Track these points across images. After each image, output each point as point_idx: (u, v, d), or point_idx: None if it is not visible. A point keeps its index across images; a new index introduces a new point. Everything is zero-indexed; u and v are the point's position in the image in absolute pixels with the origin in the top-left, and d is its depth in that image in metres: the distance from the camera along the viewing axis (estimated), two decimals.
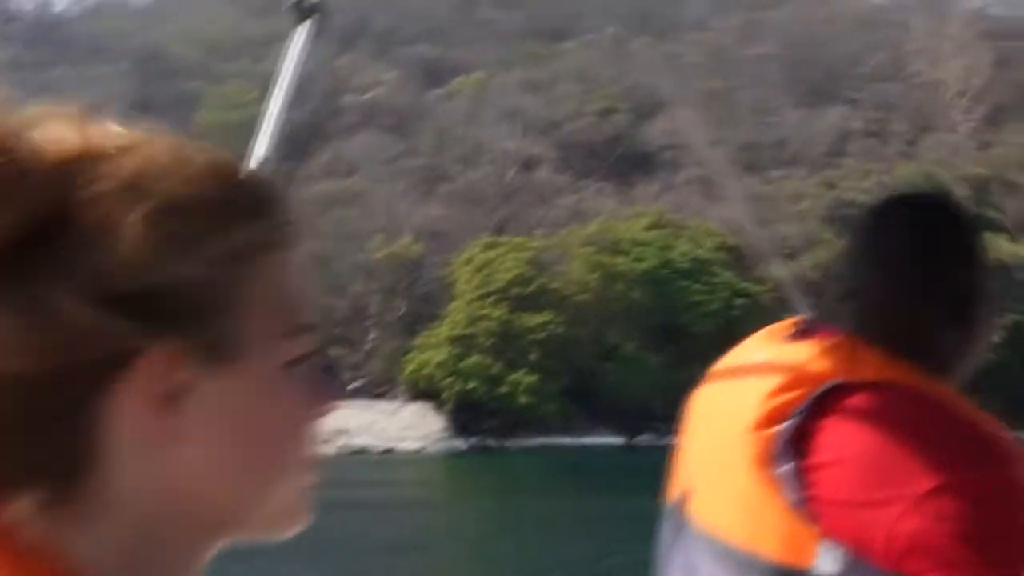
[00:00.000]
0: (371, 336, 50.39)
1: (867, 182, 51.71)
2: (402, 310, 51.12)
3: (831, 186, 54.91)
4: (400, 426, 46.08)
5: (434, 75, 67.68)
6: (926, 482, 1.43)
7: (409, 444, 45.32)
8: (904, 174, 53.60)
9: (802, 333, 1.65)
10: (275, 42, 2.51)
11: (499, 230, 51.70)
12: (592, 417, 46.59)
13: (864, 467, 1.47)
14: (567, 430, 45.59)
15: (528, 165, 57.93)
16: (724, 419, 1.61)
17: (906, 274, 1.66)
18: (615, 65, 60.72)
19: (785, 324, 1.70)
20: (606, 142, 59.83)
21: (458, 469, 43.29)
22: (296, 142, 56.13)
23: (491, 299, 47.08)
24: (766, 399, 1.54)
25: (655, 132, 56.43)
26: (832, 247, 42.84)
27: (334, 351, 47.04)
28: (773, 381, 1.55)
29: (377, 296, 51.19)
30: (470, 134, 58.09)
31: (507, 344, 46.48)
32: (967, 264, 1.68)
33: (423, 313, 50.21)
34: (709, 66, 61.56)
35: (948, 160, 54.11)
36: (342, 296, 49.64)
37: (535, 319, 46.60)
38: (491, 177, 56.14)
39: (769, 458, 1.51)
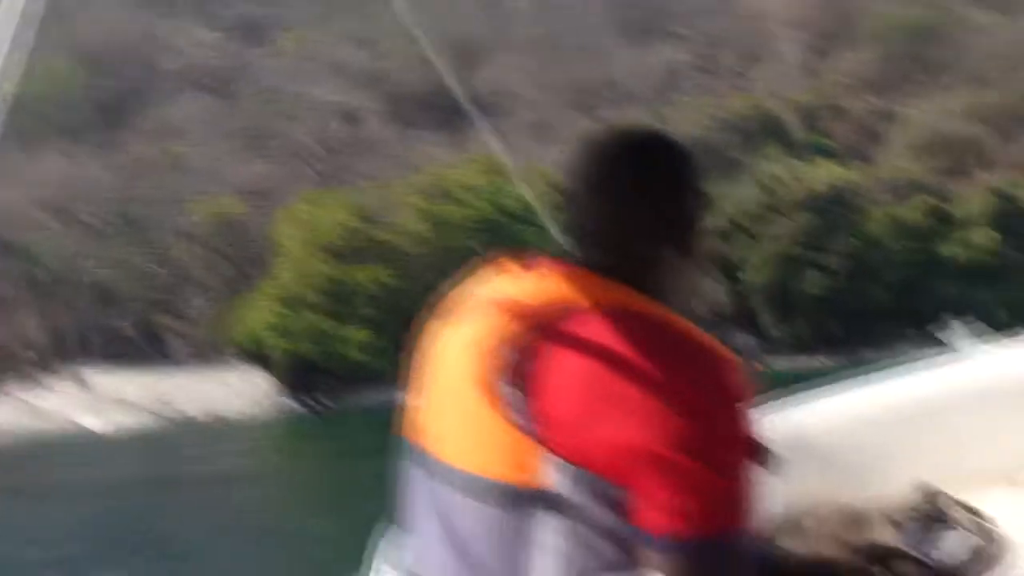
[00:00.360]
0: (196, 302, 48.17)
1: (700, 115, 51.48)
2: (228, 273, 48.93)
3: (664, 121, 53.91)
4: (230, 392, 44.10)
5: (256, 34, 65.18)
6: (646, 396, 1.51)
7: (240, 410, 43.35)
8: (735, 106, 52.52)
9: (529, 265, 1.73)
10: None
11: (324, 184, 49.65)
12: None
13: (587, 385, 1.55)
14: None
15: (354, 118, 55.98)
16: (453, 351, 1.70)
17: (625, 205, 1.74)
18: (439, 15, 59.01)
19: (512, 258, 1.75)
20: (433, 92, 58.01)
21: (293, 433, 41.55)
22: (113, 109, 53.70)
23: (318, 255, 45.14)
24: (495, 324, 1.62)
25: (483, 80, 54.91)
26: None
27: (158, 319, 44.85)
28: (504, 307, 1.63)
29: (201, 260, 48.89)
30: (294, 90, 55.86)
31: (337, 300, 44.65)
32: (683, 194, 1.79)
33: (251, 275, 48.09)
34: (533, 12, 60.08)
35: (778, 90, 53.63)
36: (164, 263, 47.33)
37: (365, 273, 44.86)
38: (316, 132, 54.06)
39: (496, 383, 1.59)
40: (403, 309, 44.76)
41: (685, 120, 50.92)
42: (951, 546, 2.52)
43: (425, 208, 46.35)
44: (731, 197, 49.63)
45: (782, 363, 39.25)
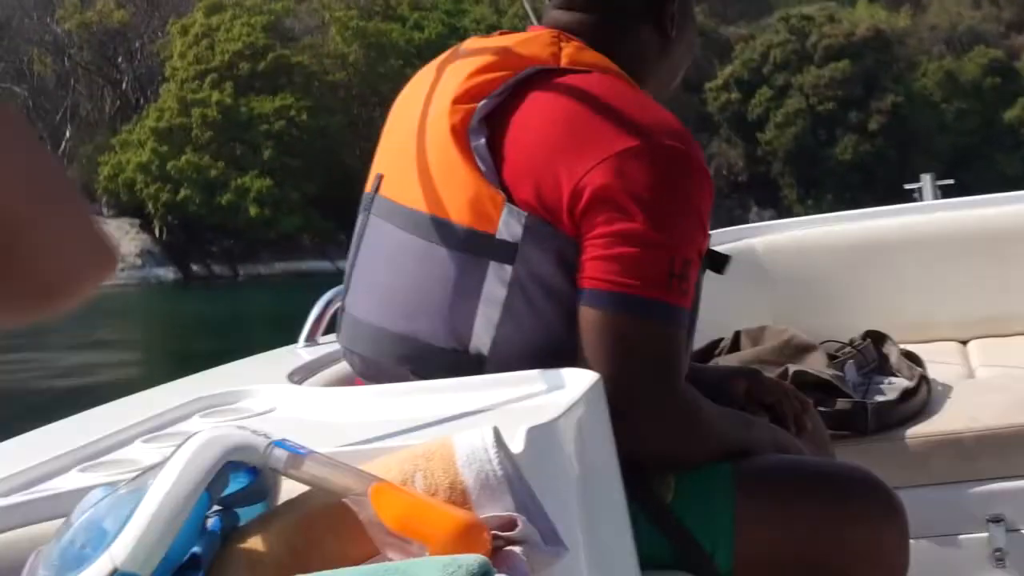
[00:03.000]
0: (66, 133, 38.27)
1: None
2: (105, 99, 39.02)
3: None
4: None
5: None
6: (614, 144, 1.54)
7: None
8: None
9: (512, 32, 1.77)
10: None
11: None
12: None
13: (556, 134, 1.57)
14: (321, 253, 34.55)
15: None
16: (425, 100, 1.68)
17: None
18: None
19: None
20: None
21: (165, 309, 31.82)
22: None
23: (210, 78, 35.78)
24: (468, 78, 1.62)
25: None
26: None
27: None
28: (478, 62, 1.65)
29: (71, 79, 39.00)
30: None
31: (231, 137, 35.47)
32: None
33: (133, 102, 38.36)
34: None
35: None
36: (24, 81, 37.68)
37: (270, 103, 35.58)
38: None
39: (465, 131, 1.59)
40: (319, 152, 35.60)
41: None
42: (883, 388, 2.58)
43: (359, 26, 36.33)
44: (753, 42, 43.15)
45: None
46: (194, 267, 35.25)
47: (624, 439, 1.40)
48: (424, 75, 1.73)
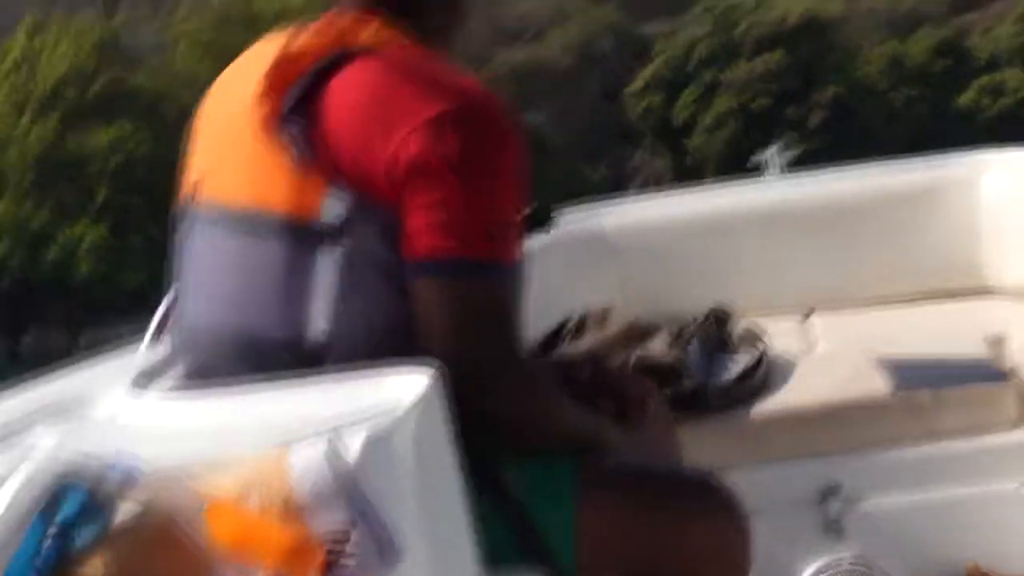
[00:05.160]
0: None
1: None
2: None
3: None
4: None
5: None
6: (421, 114, 1.57)
7: None
8: None
9: (302, 24, 1.78)
10: None
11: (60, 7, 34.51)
12: None
13: (366, 111, 1.60)
14: None
15: None
16: (234, 98, 1.70)
17: None
18: None
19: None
20: None
21: None
22: None
23: (30, 110, 31.31)
24: (273, 68, 1.64)
25: None
26: None
27: None
28: (282, 53, 1.66)
29: None
30: None
31: (56, 178, 30.82)
32: None
33: None
34: None
35: None
36: None
37: (104, 135, 31.15)
38: None
39: (276, 121, 1.62)
40: (163, 188, 30.46)
41: None
42: (726, 369, 2.64)
43: (215, 40, 31.39)
44: (675, 37, 39.90)
45: None
46: (26, 338, 30.40)
47: (469, 412, 1.46)
48: (229, 74, 1.77)
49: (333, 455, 1.11)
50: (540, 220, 1.82)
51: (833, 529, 2.44)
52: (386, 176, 1.56)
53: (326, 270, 1.57)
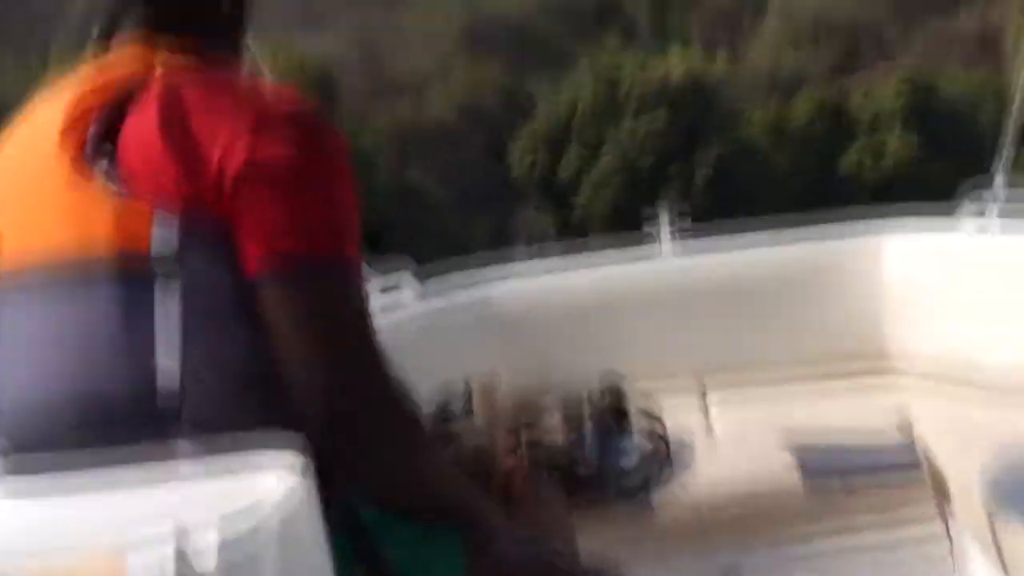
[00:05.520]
0: None
1: None
2: None
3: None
4: None
5: None
6: (247, 118, 1.52)
7: None
8: None
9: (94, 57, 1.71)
10: None
11: None
12: None
13: (177, 136, 1.53)
14: None
15: None
16: (28, 152, 1.63)
17: None
18: None
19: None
20: None
21: None
22: None
23: None
24: (70, 110, 1.58)
25: None
26: None
27: None
28: (75, 94, 1.60)
29: None
30: None
31: None
32: None
33: None
34: None
35: None
36: None
37: None
38: None
39: (84, 163, 1.54)
40: None
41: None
42: (624, 453, 2.51)
43: None
44: (560, 96, 39.82)
45: None
46: None
47: (341, 465, 1.43)
48: (16, 132, 1.68)
49: (181, 562, 0.97)
50: (370, 238, 1.68)
51: None
52: (213, 191, 1.48)
53: (166, 308, 1.47)
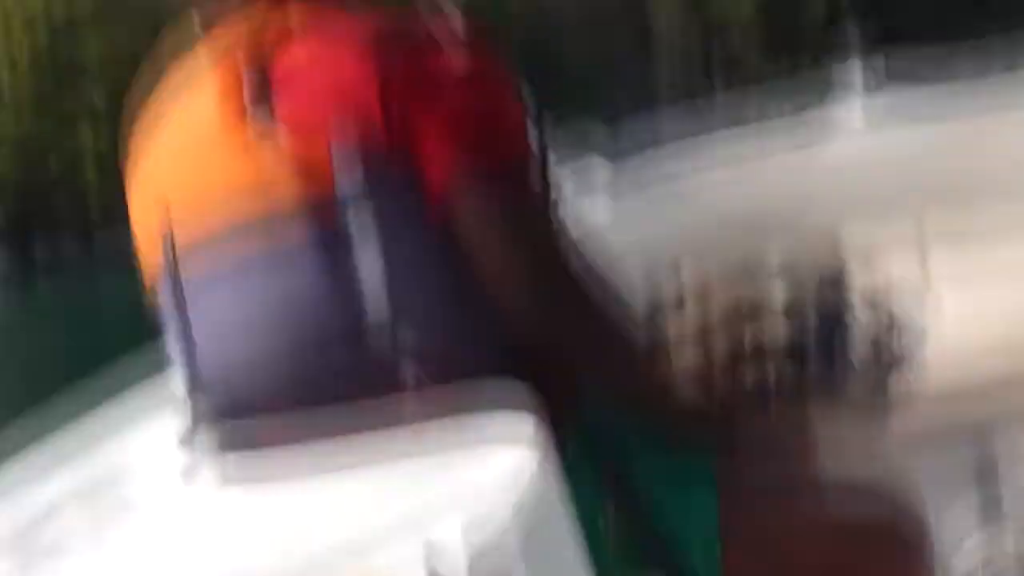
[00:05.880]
0: None
1: None
2: None
3: None
4: None
5: None
6: (398, 47, 1.51)
7: None
8: None
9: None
10: None
11: None
12: None
13: (332, 74, 1.51)
14: None
15: None
16: (186, 121, 1.61)
17: None
18: None
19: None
20: None
21: None
22: None
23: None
24: (220, 76, 1.55)
25: None
26: None
27: None
28: (220, 60, 1.58)
29: None
30: None
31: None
32: None
33: None
34: None
35: None
36: None
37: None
38: None
39: (246, 120, 1.52)
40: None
41: None
42: (852, 345, 2.31)
43: None
44: None
45: None
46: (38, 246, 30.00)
47: (566, 376, 1.43)
48: (163, 106, 1.66)
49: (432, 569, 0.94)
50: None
51: (992, 511, 2.24)
52: (383, 121, 1.47)
53: (365, 242, 1.47)
